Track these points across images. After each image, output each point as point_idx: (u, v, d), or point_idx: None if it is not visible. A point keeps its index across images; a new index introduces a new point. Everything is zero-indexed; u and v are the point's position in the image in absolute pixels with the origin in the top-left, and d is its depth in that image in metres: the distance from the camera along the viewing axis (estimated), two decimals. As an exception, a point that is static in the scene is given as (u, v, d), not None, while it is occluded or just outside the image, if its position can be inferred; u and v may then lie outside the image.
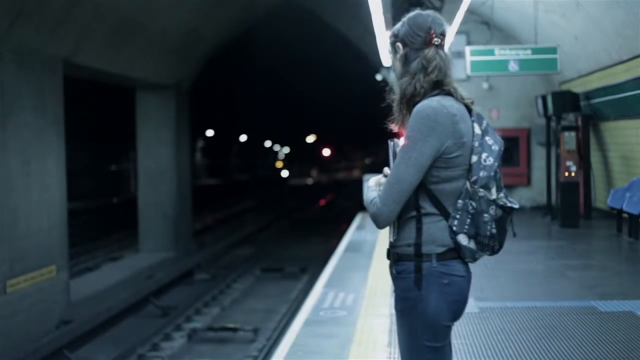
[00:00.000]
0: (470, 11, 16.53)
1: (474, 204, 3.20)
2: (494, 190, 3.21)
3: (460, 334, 7.29)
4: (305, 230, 31.76)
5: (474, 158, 3.21)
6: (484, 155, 3.22)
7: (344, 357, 6.71)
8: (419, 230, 3.23)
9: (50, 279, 13.90)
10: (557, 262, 12.08)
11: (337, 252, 13.58)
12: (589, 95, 16.83)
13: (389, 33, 3.53)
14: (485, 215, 3.20)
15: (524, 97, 20.52)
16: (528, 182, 20.97)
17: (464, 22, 15.97)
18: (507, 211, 3.25)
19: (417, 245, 3.23)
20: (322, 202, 50.04)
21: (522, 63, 15.15)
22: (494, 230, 3.23)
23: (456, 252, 3.24)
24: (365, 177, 21.40)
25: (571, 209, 15.98)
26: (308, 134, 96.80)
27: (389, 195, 3.19)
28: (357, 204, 23.68)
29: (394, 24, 3.45)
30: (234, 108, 53.82)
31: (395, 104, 3.40)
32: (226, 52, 28.02)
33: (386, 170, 3.30)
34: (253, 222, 34.51)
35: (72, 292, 15.01)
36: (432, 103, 3.21)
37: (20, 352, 12.17)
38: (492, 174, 3.21)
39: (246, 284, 19.21)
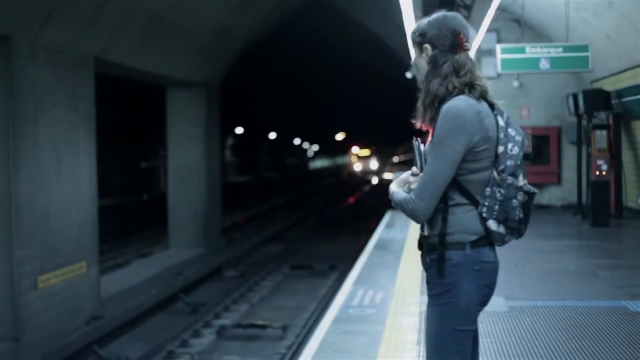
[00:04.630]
0: (500, 9, 16.46)
1: (502, 191, 3.39)
2: (520, 177, 3.43)
3: (490, 333, 7.27)
4: (334, 227, 31.74)
5: (501, 149, 3.42)
6: (509, 145, 3.42)
7: (372, 355, 6.71)
8: (444, 220, 3.41)
9: (80, 275, 14.00)
10: (587, 261, 12.00)
11: (366, 249, 13.56)
12: (620, 93, 16.71)
13: (412, 31, 3.74)
14: (514, 200, 3.40)
15: (555, 96, 20.38)
16: (558, 181, 20.84)
17: (495, 19, 15.88)
18: (531, 196, 3.44)
19: (442, 234, 3.41)
20: (351, 199, 50.01)
21: (553, 61, 15.05)
22: (522, 215, 3.44)
23: (487, 239, 3.45)
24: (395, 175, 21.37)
25: (602, 208, 15.87)
26: (337, 132, 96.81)
27: (425, 191, 3.36)
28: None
29: (423, 22, 3.67)
30: (264, 105, 53.90)
31: (421, 103, 3.57)
32: (256, 49, 28.05)
33: (414, 169, 3.46)
34: (282, 219, 34.56)
35: (102, 288, 15.11)
36: (460, 102, 3.40)
37: (50, 347, 12.28)
38: (519, 162, 3.43)
39: (275, 281, 19.25)
